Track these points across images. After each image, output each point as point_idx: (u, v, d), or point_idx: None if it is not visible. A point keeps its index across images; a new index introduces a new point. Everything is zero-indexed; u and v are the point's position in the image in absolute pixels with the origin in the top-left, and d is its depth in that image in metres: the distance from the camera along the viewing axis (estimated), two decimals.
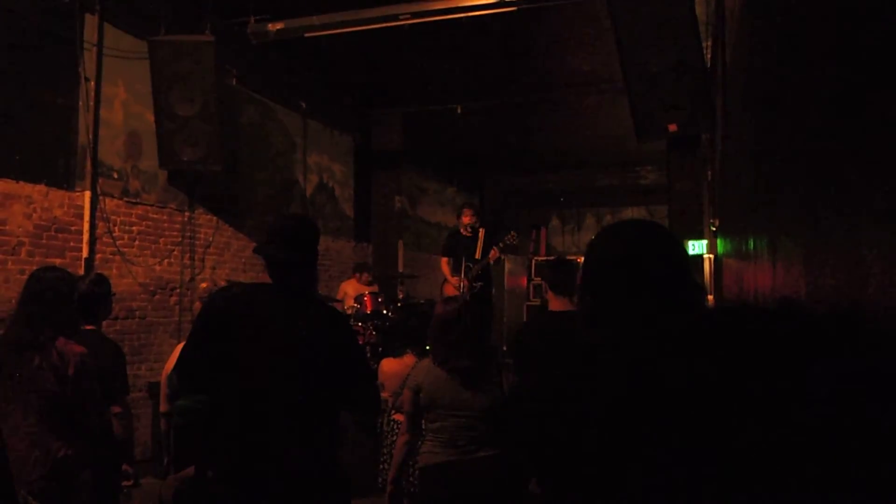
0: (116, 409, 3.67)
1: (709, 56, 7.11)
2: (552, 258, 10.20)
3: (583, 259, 1.66)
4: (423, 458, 3.60)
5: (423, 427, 3.66)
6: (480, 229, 8.37)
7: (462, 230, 8.48)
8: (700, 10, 6.41)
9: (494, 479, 3.50)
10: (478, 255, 8.21)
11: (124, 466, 3.70)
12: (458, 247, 8.40)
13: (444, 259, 8.55)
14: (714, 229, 7.83)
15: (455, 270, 8.29)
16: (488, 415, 3.50)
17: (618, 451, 1.36)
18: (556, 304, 4.31)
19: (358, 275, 9.51)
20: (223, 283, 5.45)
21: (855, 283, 1.37)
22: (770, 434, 1.08)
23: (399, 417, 4.34)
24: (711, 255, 8.46)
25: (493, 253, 8.05)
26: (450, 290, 8.17)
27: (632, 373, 1.41)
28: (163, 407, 5.14)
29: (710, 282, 8.36)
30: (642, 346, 1.43)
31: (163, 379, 5.09)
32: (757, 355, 1.15)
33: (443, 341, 3.59)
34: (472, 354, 3.53)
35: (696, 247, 8.41)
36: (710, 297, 7.84)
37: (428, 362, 3.69)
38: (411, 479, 3.90)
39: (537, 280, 12.27)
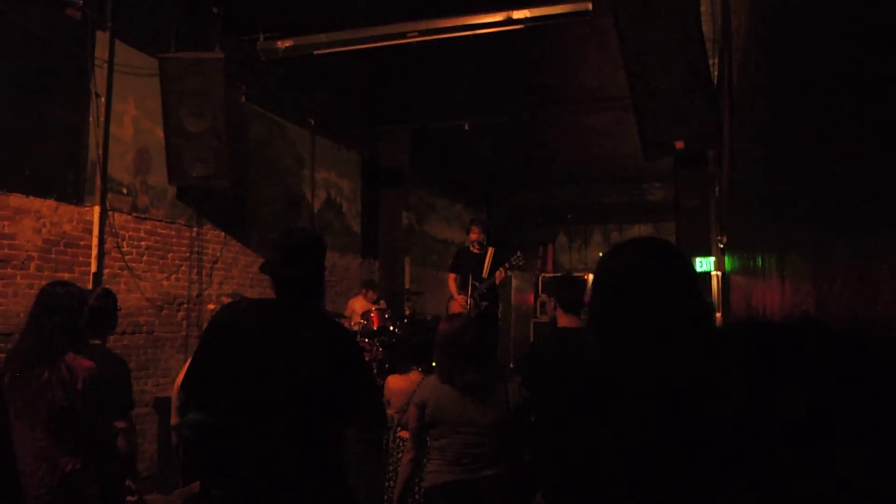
0: (121, 425, 3.67)
1: (715, 73, 7.12)
2: (560, 275, 10.19)
3: (592, 276, 1.68)
4: (428, 477, 3.59)
5: (429, 445, 3.64)
6: (489, 248, 8.35)
7: (470, 247, 8.47)
8: (707, 27, 6.43)
9: (500, 498, 3.49)
10: (485, 274, 8.18)
11: (127, 482, 3.69)
12: (465, 264, 8.38)
13: (452, 276, 8.53)
14: (722, 246, 7.81)
15: (462, 288, 8.26)
16: (493, 431, 3.49)
17: (628, 464, 1.36)
18: (564, 320, 4.31)
19: (365, 291, 9.51)
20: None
21: (865, 299, 1.37)
22: (785, 447, 1.08)
23: (405, 434, 4.32)
24: (719, 273, 8.44)
25: (499, 273, 8.03)
26: (455, 308, 8.14)
27: (642, 389, 1.41)
28: (173, 420, 5.13)
29: (719, 299, 8.33)
30: (652, 363, 1.44)
31: (173, 392, 5.09)
32: (768, 370, 1.15)
33: (448, 357, 3.58)
34: (478, 369, 3.52)
35: (703, 264, 8.39)
36: (719, 315, 7.80)
37: (433, 379, 3.68)
38: (417, 496, 3.88)
39: (544, 297, 12.25)
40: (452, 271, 8.56)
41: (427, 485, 3.58)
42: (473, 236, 8.42)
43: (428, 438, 3.67)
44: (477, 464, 3.47)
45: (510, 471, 3.53)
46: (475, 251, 8.38)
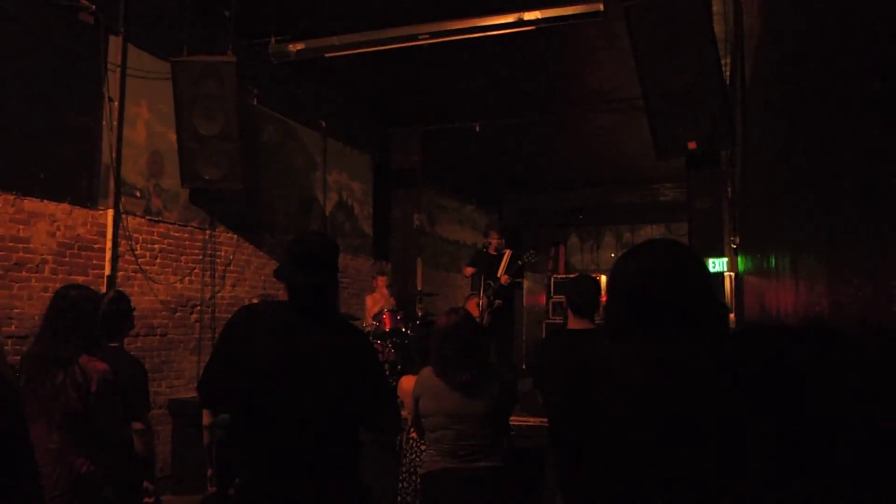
0: (138, 426, 3.67)
1: (728, 73, 7.09)
2: (573, 276, 10.17)
3: (608, 278, 1.69)
4: (425, 465, 3.67)
5: (425, 437, 3.72)
6: (507, 251, 8.41)
7: (488, 249, 8.57)
8: (719, 27, 6.41)
9: (495, 490, 3.54)
10: (499, 274, 8.24)
11: (145, 483, 3.71)
12: (482, 263, 8.46)
13: (469, 269, 8.67)
14: (734, 247, 7.78)
15: (476, 286, 8.36)
16: (486, 423, 3.53)
17: (641, 464, 1.38)
18: (574, 323, 4.28)
19: (376, 280, 9.46)
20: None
21: (879, 301, 1.36)
22: (792, 454, 1.08)
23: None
24: (732, 273, 8.40)
25: (504, 278, 8.11)
26: (472, 307, 8.19)
27: (654, 390, 1.42)
28: (206, 420, 5.13)
29: (731, 300, 8.29)
30: (664, 364, 1.45)
31: None
32: (781, 375, 1.14)
33: (442, 353, 3.62)
34: (470, 367, 3.56)
35: (716, 264, 8.35)
36: (732, 316, 7.76)
37: (429, 371, 3.72)
38: (416, 484, 3.94)
39: (556, 298, 12.20)
40: (470, 265, 8.69)
41: (423, 471, 3.66)
42: (494, 241, 8.54)
43: (425, 430, 3.74)
44: (473, 456, 3.53)
45: (504, 463, 3.60)
46: (492, 252, 8.47)
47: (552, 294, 12.45)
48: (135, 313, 4.36)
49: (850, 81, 1.59)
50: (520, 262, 8.18)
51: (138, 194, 6.79)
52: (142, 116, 6.87)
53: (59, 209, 5.92)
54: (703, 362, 1.33)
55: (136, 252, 6.69)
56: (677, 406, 1.32)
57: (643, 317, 1.53)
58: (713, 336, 1.47)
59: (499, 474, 3.56)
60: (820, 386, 1.08)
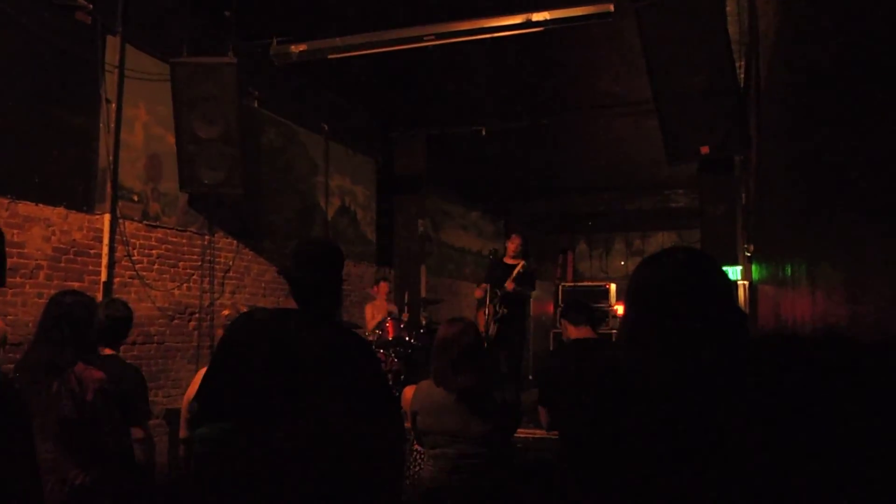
0: (138, 434, 3.68)
1: (742, 76, 6.96)
2: (581, 284, 10.12)
3: (628, 287, 1.71)
4: (424, 482, 3.62)
5: (424, 453, 3.69)
6: (521, 261, 8.30)
7: (504, 258, 8.49)
8: (733, 30, 6.30)
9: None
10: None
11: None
12: (493, 275, 8.38)
13: (479, 290, 8.52)
14: (748, 255, 7.67)
15: (486, 297, 8.30)
16: (487, 441, 3.48)
17: (657, 469, 1.39)
18: (574, 332, 4.41)
19: (376, 287, 9.35)
20: (244, 310, 5.41)
21: None
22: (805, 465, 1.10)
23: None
24: (746, 282, 8.28)
25: (510, 285, 8.03)
26: (480, 316, 8.17)
27: (673, 398, 1.43)
28: (182, 433, 5.09)
29: (746, 309, 8.18)
30: (684, 372, 1.46)
31: (184, 405, 5.07)
32: (797, 386, 1.17)
33: (443, 360, 3.57)
34: (471, 373, 3.50)
35: (729, 273, 8.22)
36: None
37: (427, 384, 3.67)
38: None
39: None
40: (484, 281, 8.59)
41: (423, 489, 3.61)
42: (511, 246, 8.44)
43: (424, 447, 3.70)
44: (474, 472, 3.47)
45: (508, 478, 3.58)
46: (507, 262, 8.39)
47: (560, 302, 12.36)
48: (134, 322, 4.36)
49: (869, 86, 1.53)
50: (519, 287, 8.11)
51: (136, 198, 6.70)
52: (140, 119, 6.78)
53: (54, 213, 5.83)
54: (724, 371, 1.37)
55: (134, 258, 6.60)
56: (697, 414, 1.34)
57: (664, 326, 1.55)
58: (733, 344, 1.49)
59: (502, 490, 3.51)
60: (838, 393, 1.12)
